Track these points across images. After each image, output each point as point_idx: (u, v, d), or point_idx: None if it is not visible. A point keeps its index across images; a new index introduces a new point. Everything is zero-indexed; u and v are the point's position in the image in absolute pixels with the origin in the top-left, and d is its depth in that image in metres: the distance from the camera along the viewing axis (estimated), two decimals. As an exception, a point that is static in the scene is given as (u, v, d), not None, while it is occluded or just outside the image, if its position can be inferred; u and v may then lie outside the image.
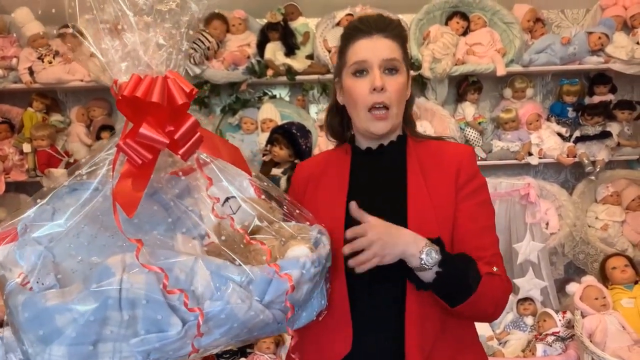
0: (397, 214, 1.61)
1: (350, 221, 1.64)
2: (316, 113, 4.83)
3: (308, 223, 1.56)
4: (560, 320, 3.90)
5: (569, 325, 3.85)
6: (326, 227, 1.58)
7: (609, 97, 4.69)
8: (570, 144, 4.63)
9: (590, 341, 3.46)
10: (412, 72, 4.25)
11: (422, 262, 1.45)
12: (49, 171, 4.37)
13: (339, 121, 1.86)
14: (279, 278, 1.24)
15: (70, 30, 1.23)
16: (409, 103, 1.81)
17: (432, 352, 1.57)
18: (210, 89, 4.55)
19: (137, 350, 1.13)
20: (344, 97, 1.76)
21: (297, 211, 1.58)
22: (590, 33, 4.54)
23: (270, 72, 4.50)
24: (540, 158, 4.62)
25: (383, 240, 1.46)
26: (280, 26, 4.57)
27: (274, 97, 4.78)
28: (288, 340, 1.68)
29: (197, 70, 4.36)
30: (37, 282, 1.15)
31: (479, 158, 4.57)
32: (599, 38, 4.50)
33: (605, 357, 3.29)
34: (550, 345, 3.75)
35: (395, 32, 1.68)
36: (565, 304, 4.19)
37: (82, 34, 1.21)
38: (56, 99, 4.81)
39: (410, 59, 3.91)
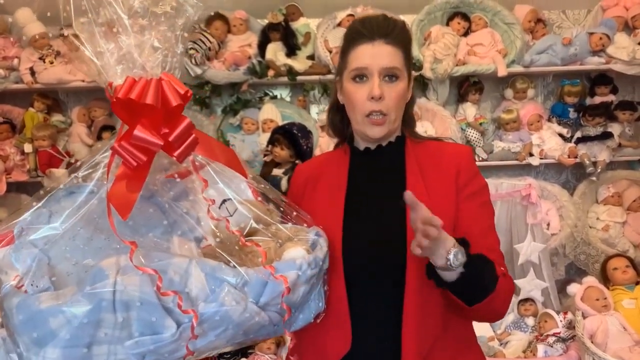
0: (396, 214, 1.61)
1: (349, 221, 1.65)
2: (317, 113, 4.82)
3: (306, 225, 1.56)
4: (561, 321, 3.90)
5: (570, 326, 3.85)
6: (324, 227, 1.59)
7: (610, 97, 4.68)
8: (572, 144, 4.62)
9: (592, 342, 3.46)
10: (413, 73, 4.27)
11: (449, 262, 1.40)
12: (50, 171, 4.38)
13: (340, 118, 1.85)
14: (274, 280, 1.24)
15: (66, 33, 1.23)
16: (410, 104, 1.80)
17: (430, 353, 1.57)
18: (212, 90, 4.55)
19: (131, 353, 1.13)
20: (344, 99, 1.76)
21: (295, 213, 1.57)
22: (591, 34, 4.52)
23: (271, 72, 4.50)
24: (541, 159, 4.61)
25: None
26: (281, 27, 4.57)
27: (274, 97, 4.78)
28: (289, 341, 1.68)
29: (198, 71, 4.35)
30: (32, 285, 1.15)
31: (480, 159, 4.57)
32: (600, 39, 4.49)
33: (606, 358, 3.29)
34: (551, 346, 3.75)
35: (399, 37, 1.67)
36: (566, 304, 4.19)
37: (77, 37, 1.21)
38: (57, 99, 4.81)
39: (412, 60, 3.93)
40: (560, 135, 4.67)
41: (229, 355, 3.72)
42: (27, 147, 4.44)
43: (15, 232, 1.30)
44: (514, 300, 4.11)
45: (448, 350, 1.61)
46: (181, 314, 1.13)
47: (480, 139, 4.67)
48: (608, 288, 3.85)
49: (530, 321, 4.08)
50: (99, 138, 4.54)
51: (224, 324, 1.17)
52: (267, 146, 3.90)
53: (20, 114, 4.62)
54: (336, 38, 4.43)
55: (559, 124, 4.71)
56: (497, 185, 4.38)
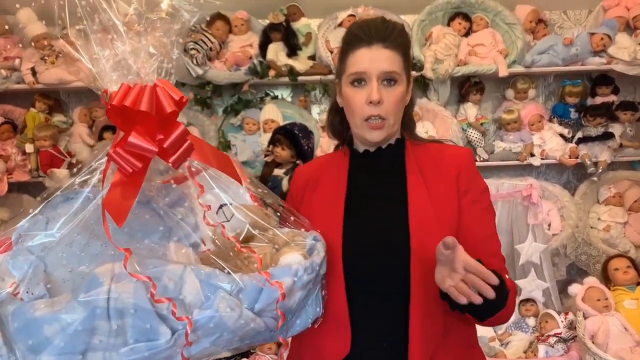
0: (397, 215, 1.62)
1: (349, 223, 1.65)
2: (318, 114, 4.82)
3: (304, 229, 1.55)
4: (562, 322, 3.91)
5: (571, 326, 3.86)
6: (324, 229, 1.59)
7: (612, 98, 4.67)
8: (573, 145, 4.61)
9: (593, 342, 3.46)
10: (414, 73, 4.26)
11: None
12: (52, 171, 4.38)
13: (340, 121, 1.85)
14: (269, 286, 1.23)
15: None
16: (409, 107, 1.81)
17: (433, 357, 1.56)
18: (213, 90, 4.55)
19: (127, 360, 1.13)
20: (342, 103, 1.76)
21: (293, 218, 1.57)
22: (592, 34, 4.51)
23: (272, 72, 4.50)
24: (542, 159, 4.61)
25: None
26: (282, 27, 4.57)
27: (276, 97, 4.78)
28: (289, 341, 1.68)
29: (200, 71, 4.36)
30: (27, 292, 1.15)
31: (481, 159, 4.57)
32: (602, 39, 4.48)
33: (607, 358, 3.30)
34: (552, 347, 3.76)
35: (397, 41, 1.66)
36: (567, 305, 4.19)
37: (72, 44, 1.21)
38: (59, 99, 4.82)
39: (412, 61, 3.93)
40: (562, 135, 4.67)
41: (229, 355, 3.72)
42: (29, 147, 4.44)
43: (13, 238, 1.30)
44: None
45: (450, 354, 1.61)
46: (175, 320, 1.13)
47: (481, 139, 4.67)
48: (609, 288, 3.85)
49: (531, 321, 4.09)
50: (100, 138, 4.54)
51: (219, 331, 1.17)
52: (268, 146, 3.91)
53: (22, 114, 4.64)
54: (337, 38, 4.43)
55: (560, 124, 4.71)
56: (498, 186, 4.38)
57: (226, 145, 4.59)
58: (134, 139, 1.18)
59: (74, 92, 4.85)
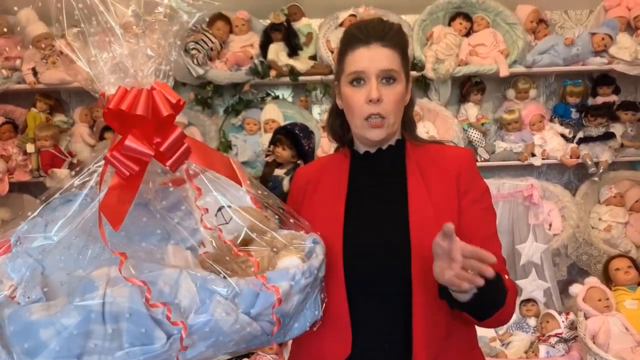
0: (398, 216, 1.62)
1: (349, 224, 1.65)
2: (319, 114, 4.83)
3: (304, 232, 1.55)
4: (563, 322, 3.91)
5: (572, 326, 3.86)
6: (324, 230, 1.59)
7: (613, 98, 4.67)
8: (574, 145, 4.61)
9: (594, 343, 3.46)
10: (415, 73, 4.26)
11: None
12: (53, 171, 4.39)
13: (340, 123, 1.85)
14: (266, 290, 1.23)
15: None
16: (409, 107, 1.80)
17: (436, 358, 1.56)
18: (213, 90, 4.56)
19: (122, 364, 1.13)
20: (342, 104, 1.75)
21: (293, 220, 1.57)
22: (593, 34, 4.51)
23: (273, 72, 4.50)
24: (543, 159, 4.61)
25: None
26: (283, 27, 4.57)
27: (276, 97, 4.78)
28: (290, 341, 1.68)
29: (200, 71, 4.36)
30: (24, 295, 1.15)
31: (482, 159, 4.57)
32: (603, 39, 4.47)
33: (608, 358, 3.30)
34: (553, 347, 3.76)
35: (395, 40, 1.66)
36: (568, 305, 4.20)
37: (70, 46, 1.21)
38: (60, 99, 4.82)
39: (412, 62, 3.91)
40: (563, 135, 4.67)
41: (229, 357, 3.72)
42: (30, 147, 4.45)
43: (12, 240, 1.30)
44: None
45: (452, 356, 1.61)
46: (170, 325, 1.12)
47: (482, 139, 4.66)
48: (610, 289, 3.85)
49: (532, 322, 4.09)
50: (101, 138, 4.55)
51: (215, 335, 1.17)
52: (269, 146, 3.90)
53: (23, 114, 4.64)
54: (338, 38, 4.40)
55: (561, 124, 4.71)
56: (499, 186, 4.38)
57: (227, 146, 4.59)
58: (130, 142, 1.18)
59: (75, 92, 4.84)
